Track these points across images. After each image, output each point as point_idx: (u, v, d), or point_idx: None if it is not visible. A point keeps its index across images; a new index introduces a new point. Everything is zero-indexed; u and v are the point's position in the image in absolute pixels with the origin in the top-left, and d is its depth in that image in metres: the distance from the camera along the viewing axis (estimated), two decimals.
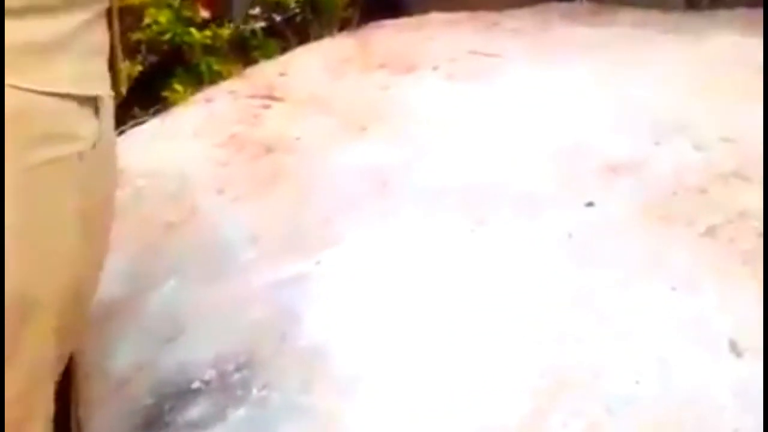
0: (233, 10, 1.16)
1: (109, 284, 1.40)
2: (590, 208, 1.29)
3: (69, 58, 0.83)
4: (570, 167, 1.40)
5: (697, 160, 1.31)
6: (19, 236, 0.81)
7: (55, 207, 0.85)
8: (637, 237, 1.22)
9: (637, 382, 1.00)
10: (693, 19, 2.09)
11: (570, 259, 1.22)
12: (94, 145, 0.88)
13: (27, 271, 0.83)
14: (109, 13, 0.90)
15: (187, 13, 2.72)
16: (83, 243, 0.91)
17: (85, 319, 1.12)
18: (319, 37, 2.69)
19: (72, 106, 0.84)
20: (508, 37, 2.07)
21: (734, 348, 1.02)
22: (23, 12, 0.79)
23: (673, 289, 1.11)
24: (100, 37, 0.88)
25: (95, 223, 0.97)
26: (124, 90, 0.98)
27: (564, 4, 2.33)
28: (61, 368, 1.03)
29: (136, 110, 2.54)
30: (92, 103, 0.88)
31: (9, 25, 0.78)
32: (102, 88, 0.89)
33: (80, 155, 0.85)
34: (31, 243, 0.83)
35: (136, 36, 2.73)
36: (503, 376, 1.08)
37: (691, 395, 0.98)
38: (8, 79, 0.79)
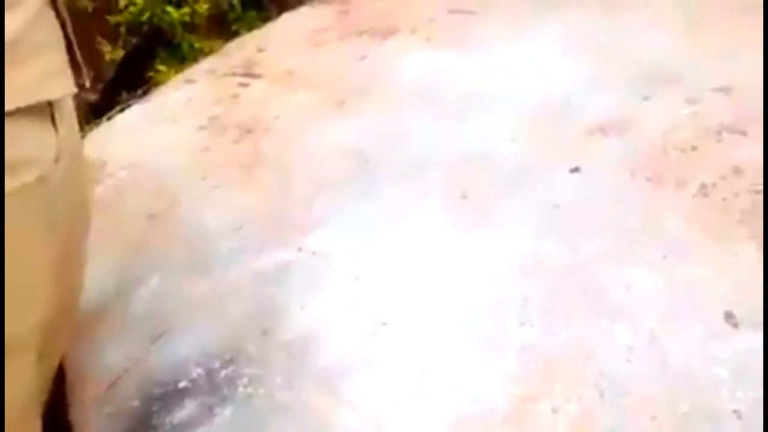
0: None
1: (96, 283, 1.37)
2: (576, 174, 1.21)
3: (16, 65, 0.72)
4: (554, 131, 1.32)
5: (689, 114, 1.21)
6: None
7: (21, 244, 0.77)
8: (626, 202, 1.14)
9: (629, 361, 0.94)
10: None
11: (557, 231, 1.15)
12: (56, 160, 0.79)
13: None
14: (54, 1, 0.80)
15: None
16: (56, 273, 0.85)
17: (68, 337, 1.07)
18: (298, 4, 2.61)
19: (25, 122, 0.74)
20: None
21: (730, 319, 0.95)
22: None
23: (665, 257, 1.04)
24: (49, 30, 0.78)
25: (68, 246, 0.91)
26: (87, 81, 0.89)
27: None
28: (48, 383, 0.99)
29: (124, 94, 2.50)
30: (47, 110, 0.78)
31: None
32: (58, 88, 0.79)
33: (41, 179, 0.76)
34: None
35: (115, 19, 2.68)
36: (489, 360, 1.03)
37: (686, 372, 0.92)
38: None
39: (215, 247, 1.48)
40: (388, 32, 2.01)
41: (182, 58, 2.65)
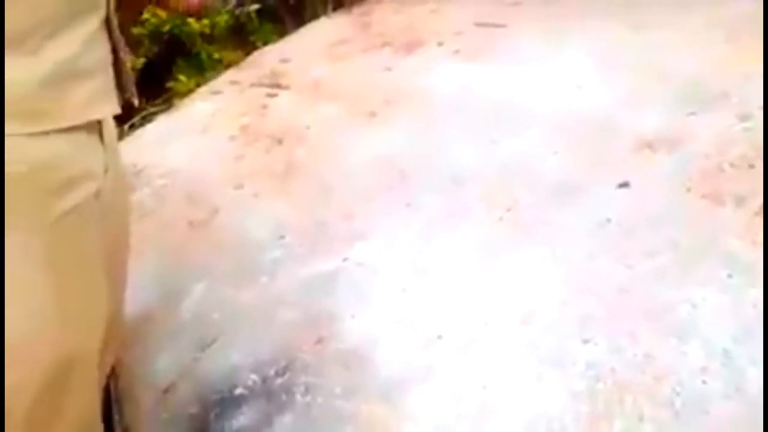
0: None
1: (142, 290, 1.27)
2: (625, 189, 1.11)
3: (76, 84, 0.70)
4: (598, 145, 1.21)
5: (741, 130, 1.11)
6: (54, 302, 0.71)
7: (83, 259, 0.75)
8: (682, 219, 1.04)
9: (704, 382, 0.85)
10: None
11: (610, 247, 1.05)
12: (105, 172, 0.76)
13: (68, 335, 0.73)
14: (108, 21, 0.75)
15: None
16: (110, 282, 0.81)
17: (117, 345, 1.00)
18: (314, 17, 2.48)
19: (81, 137, 0.72)
20: (514, 5, 1.82)
21: None
22: (24, 37, 0.65)
23: (730, 276, 0.95)
24: (102, 52, 0.74)
25: (118, 255, 0.87)
26: (136, 100, 0.83)
27: None
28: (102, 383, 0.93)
29: (143, 102, 2.37)
30: (97, 127, 0.76)
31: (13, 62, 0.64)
32: (106, 108, 0.76)
33: (96, 194, 0.74)
34: (66, 306, 0.73)
35: (137, 30, 2.55)
36: (554, 377, 0.93)
37: (763, 392, 0.83)
38: (22, 128, 0.66)
39: (259, 256, 1.37)
40: (412, 45, 1.88)
41: (201, 68, 2.54)
